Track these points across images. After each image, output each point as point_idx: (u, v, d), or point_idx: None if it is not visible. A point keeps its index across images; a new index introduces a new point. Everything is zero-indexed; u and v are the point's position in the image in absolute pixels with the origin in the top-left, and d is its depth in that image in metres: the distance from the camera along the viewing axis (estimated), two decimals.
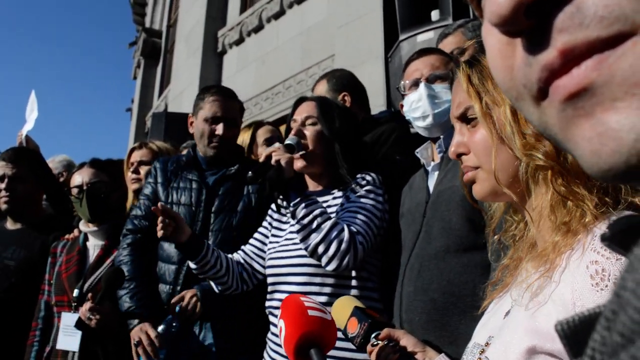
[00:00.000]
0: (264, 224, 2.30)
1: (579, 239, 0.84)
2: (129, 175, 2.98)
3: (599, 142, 0.28)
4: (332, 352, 1.75)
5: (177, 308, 2.28)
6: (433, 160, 1.84)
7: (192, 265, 2.12)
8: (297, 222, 1.89)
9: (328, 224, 1.85)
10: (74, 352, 2.43)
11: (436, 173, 1.80)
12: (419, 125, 1.90)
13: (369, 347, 1.46)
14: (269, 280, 2.10)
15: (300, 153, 2.05)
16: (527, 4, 0.30)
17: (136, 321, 2.30)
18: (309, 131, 2.09)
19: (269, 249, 2.17)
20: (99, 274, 2.53)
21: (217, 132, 2.50)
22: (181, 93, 9.63)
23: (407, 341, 1.42)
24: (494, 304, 1.05)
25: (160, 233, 2.03)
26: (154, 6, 15.42)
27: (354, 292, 1.93)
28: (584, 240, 0.83)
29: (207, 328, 2.37)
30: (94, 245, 2.66)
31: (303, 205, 1.89)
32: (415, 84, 1.90)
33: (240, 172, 2.51)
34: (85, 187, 2.62)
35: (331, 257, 1.84)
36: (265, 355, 2.06)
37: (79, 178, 2.66)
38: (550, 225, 0.91)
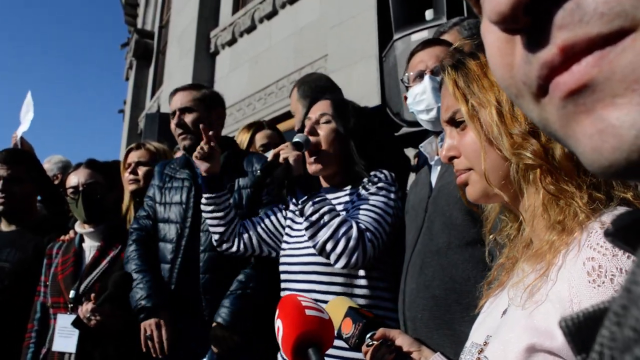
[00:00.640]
0: (280, 206, 2.32)
1: (574, 237, 0.85)
2: (126, 176, 2.97)
3: (600, 139, 0.28)
4: (330, 351, 1.76)
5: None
6: (437, 154, 1.81)
7: (205, 198, 2.23)
8: (305, 220, 1.88)
9: (336, 221, 1.85)
10: (70, 354, 2.42)
11: (439, 168, 1.78)
12: (423, 119, 1.88)
13: (364, 348, 1.45)
14: (282, 277, 2.11)
15: (314, 157, 2.05)
16: (526, 2, 0.29)
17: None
18: (323, 130, 2.08)
19: (282, 247, 2.17)
20: (95, 275, 2.53)
21: (172, 124, 2.56)
22: None
23: (402, 341, 1.42)
24: (489, 303, 1.06)
25: (199, 153, 2.20)
26: (146, 7, 15.36)
27: (364, 291, 1.92)
28: (579, 237, 0.83)
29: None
30: (90, 247, 2.65)
31: (311, 203, 1.88)
32: (420, 76, 1.87)
33: (228, 161, 2.52)
34: (81, 188, 2.61)
35: (339, 254, 1.83)
36: (278, 356, 2.06)
37: (75, 179, 2.65)
38: (545, 224, 0.91)
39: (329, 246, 1.84)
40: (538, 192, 0.90)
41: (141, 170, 2.96)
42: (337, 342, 1.38)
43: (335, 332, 1.52)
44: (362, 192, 2.02)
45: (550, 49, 0.30)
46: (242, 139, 3.10)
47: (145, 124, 5.25)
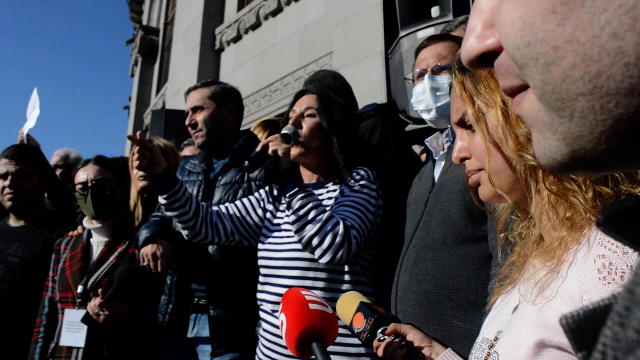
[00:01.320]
0: (256, 195, 2.31)
1: (584, 234, 0.85)
2: (136, 173, 2.98)
3: (537, 150, 0.39)
4: (333, 347, 1.77)
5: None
6: (443, 150, 1.83)
7: (161, 200, 2.13)
8: (293, 213, 1.89)
9: (324, 216, 1.86)
10: (78, 349, 2.44)
11: (442, 163, 1.80)
12: (425, 118, 1.91)
13: (375, 343, 1.46)
14: (262, 271, 2.10)
15: (298, 141, 2.07)
16: (474, 58, 0.42)
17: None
18: (307, 123, 2.10)
19: (261, 240, 2.16)
20: (103, 270, 2.54)
21: (187, 124, 2.60)
22: (179, 91, 9.61)
23: (414, 336, 1.42)
24: (500, 299, 1.06)
25: (136, 164, 2.06)
26: (152, 4, 15.38)
27: (347, 287, 1.94)
28: (588, 234, 0.84)
29: (201, 323, 2.40)
30: (98, 242, 2.67)
31: (300, 196, 1.89)
32: (422, 75, 1.89)
33: (245, 148, 2.56)
34: (90, 184, 2.62)
35: (325, 250, 1.84)
36: (258, 351, 2.06)
37: (84, 175, 2.66)
38: (554, 222, 0.92)
39: (315, 241, 1.85)
40: (544, 190, 0.91)
41: None
42: (340, 337, 1.39)
43: (347, 327, 1.53)
44: (345, 189, 2.04)
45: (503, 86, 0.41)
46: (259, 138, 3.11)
47: (152, 121, 5.26)
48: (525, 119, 0.39)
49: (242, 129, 2.81)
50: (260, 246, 2.15)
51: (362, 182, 2.03)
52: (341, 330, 1.38)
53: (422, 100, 1.87)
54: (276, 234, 2.11)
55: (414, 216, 1.80)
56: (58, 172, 3.85)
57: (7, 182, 2.89)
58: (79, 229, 2.78)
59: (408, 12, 3.19)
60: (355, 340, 1.81)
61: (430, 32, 2.98)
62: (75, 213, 3.18)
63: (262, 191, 2.31)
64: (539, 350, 0.82)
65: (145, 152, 2.05)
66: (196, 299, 2.42)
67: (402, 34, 3.16)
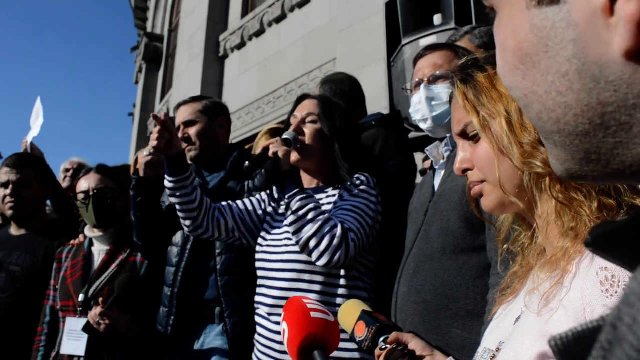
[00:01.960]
0: (257, 196, 2.30)
1: None
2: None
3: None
4: (335, 353, 1.75)
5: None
6: (442, 158, 1.84)
7: (168, 184, 2.13)
8: (292, 214, 1.89)
9: (322, 218, 1.86)
10: (79, 357, 2.43)
11: (442, 172, 1.80)
12: (422, 127, 1.92)
13: (377, 351, 1.45)
14: (258, 274, 2.09)
15: (297, 146, 2.07)
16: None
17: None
18: (308, 129, 2.10)
19: (258, 242, 2.16)
20: (104, 279, 2.54)
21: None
22: (183, 97, 9.58)
23: (415, 345, 1.42)
24: (502, 309, 1.06)
25: (154, 143, 2.08)
26: (156, 11, 15.46)
27: (342, 291, 1.93)
28: None
29: (207, 332, 2.38)
30: (99, 251, 2.67)
31: (299, 197, 1.89)
32: (419, 85, 1.90)
33: (239, 162, 2.55)
34: (91, 193, 2.62)
35: (322, 252, 1.84)
36: (253, 356, 2.04)
37: (86, 184, 2.66)
38: (558, 231, 0.92)
39: (312, 243, 1.84)
40: (550, 199, 0.91)
41: None
42: (342, 344, 1.38)
43: (349, 335, 1.52)
44: (345, 193, 2.04)
45: None
46: (260, 144, 3.11)
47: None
48: None
49: (246, 136, 2.83)
50: (257, 248, 2.14)
51: (361, 187, 2.02)
52: (343, 337, 1.38)
53: (418, 109, 1.88)
54: (273, 237, 2.11)
55: (414, 225, 1.80)
56: (68, 174, 3.91)
57: (8, 191, 2.89)
58: (80, 237, 2.78)
59: (410, 19, 3.19)
60: (356, 347, 1.80)
61: (433, 39, 2.98)
62: (77, 221, 3.18)
63: (263, 193, 2.31)
64: None
65: (165, 133, 2.08)
66: (202, 309, 2.40)
67: (404, 41, 3.16)
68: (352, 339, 1.52)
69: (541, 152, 0.89)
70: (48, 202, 3.27)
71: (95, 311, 2.29)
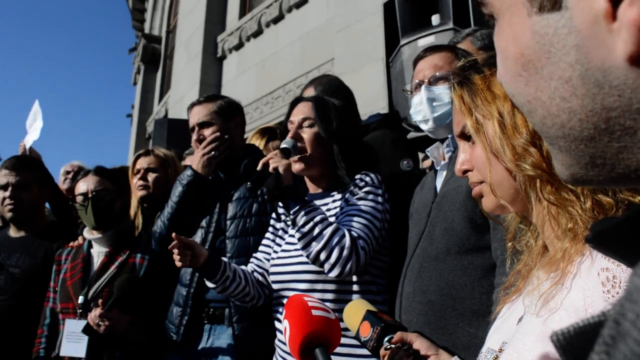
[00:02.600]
0: (270, 229, 2.29)
1: (586, 245, 0.85)
2: (135, 182, 2.98)
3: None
4: (337, 350, 1.75)
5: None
6: (444, 159, 1.84)
7: (211, 285, 2.08)
8: (298, 230, 1.87)
9: (329, 230, 1.84)
10: (79, 359, 2.43)
11: (444, 173, 1.80)
12: (423, 128, 1.91)
13: (382, 351, 1.45)
14: (274, 287, 2.10)
15: (298, 156, 2.04)
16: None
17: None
18: (306, 134, 2.07)
19: (272, 257, 2.16)
20: (104, 280, 2.54)
21: (193, 139, 2.55)
22: (181, 98, 9.63)
23: (420, 344, 1.42)
24: (506, 308, 1.06)
25: (178, 264, 2.01)
26: (153, 12, 15.45)
27: (356, 296, 1.92)
28: None
29: (216, 333, 2.38)
30: (98, 252, 2.67)
31: (303, 212, 1.87)
32: (419, 86, 1.90)
33: (249, 169, 2.50)
34: (90, 195, 2.62)
35: (333, 264, 1.83)
36: (274, 359, 2.06)
37: (84, 186, 2.66)
38: (556, 232, 0.92)
39: (322, 256, 1.83)
40: (543, 200, 0.91)
41: (151, 177, 2.97)
42: (343, 340, 1.39)
43: (354, 335, 1.52)
44: (350, 196, 2.01)
45: None
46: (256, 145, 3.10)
47: (154, 130, 5.28)
48: None
49: (245, 136, 2.80)
50: (271, 262, 2.14)
51: (366, 189, 1.99)
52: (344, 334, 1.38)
53: (419, 110, 1.87)
54: (284, 248, 2.10)
55: (416, 226, 1.80)
56: (69, 176, 3.93)
57: (7, 193, 2.89)
58: (80, 239, 2.77)
59: (408, 19, 3.18)
60: (357, 344, 1.81)
61: (431, 39, 2.98)
62: (76, 223, 3.18)
63: (271, 220, 2.29)
64: None
65: (186, 251, 1.99)
66: (211, 309, 2.39)
67: (402, 42, 3.16)
68: (356, 339, 1.52)
69: (531, 154, 0.90)
70: (47, 205, 3.27)
71: (95, 313, 2.29)
